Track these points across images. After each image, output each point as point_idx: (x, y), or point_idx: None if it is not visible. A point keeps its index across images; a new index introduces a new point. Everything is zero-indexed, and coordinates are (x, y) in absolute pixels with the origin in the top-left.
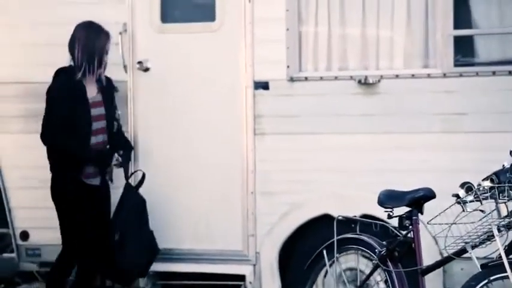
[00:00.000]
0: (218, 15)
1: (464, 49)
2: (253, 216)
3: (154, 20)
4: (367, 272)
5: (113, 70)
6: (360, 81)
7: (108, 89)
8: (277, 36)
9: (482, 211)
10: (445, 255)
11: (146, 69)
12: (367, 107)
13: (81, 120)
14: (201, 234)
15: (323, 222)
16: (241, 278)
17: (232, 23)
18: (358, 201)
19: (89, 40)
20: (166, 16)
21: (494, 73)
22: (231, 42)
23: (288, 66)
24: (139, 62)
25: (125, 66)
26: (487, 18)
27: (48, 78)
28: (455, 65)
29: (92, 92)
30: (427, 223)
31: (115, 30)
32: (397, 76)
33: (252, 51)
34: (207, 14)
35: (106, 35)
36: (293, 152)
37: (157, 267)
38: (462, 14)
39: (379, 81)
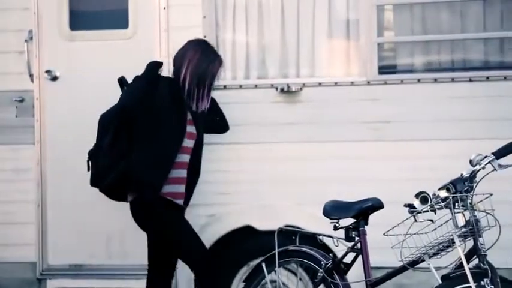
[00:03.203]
0: (131, 22)
1: (388, 56)
2: None
3: (62, 27)
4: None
5: (17, 79)
6: (282, 90)
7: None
8: None
9: (432, 221)
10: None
11: (55, 78)
12: (289, 115)
13: (173, 133)
14: (113, 249)
15: (245, 234)
16: None
17: (147, 30)
18: (280, 212)
19: (202, 63)
20: (75, 23)
21: (419, 80)
22: (146, 50)
23: None
24: (48, 71)
25: (31, 75)
26: (410, 26)
27: None
28: (380, 73)
29: None
30: (384, 234)
31: (20, 38)
32: (319, 84)
33: (168, 59)
34: (120, 20)
35: (220, 61)
36: (211, 162)
37: (69, 283)
38: (385, 21)
39: (301, 89)
